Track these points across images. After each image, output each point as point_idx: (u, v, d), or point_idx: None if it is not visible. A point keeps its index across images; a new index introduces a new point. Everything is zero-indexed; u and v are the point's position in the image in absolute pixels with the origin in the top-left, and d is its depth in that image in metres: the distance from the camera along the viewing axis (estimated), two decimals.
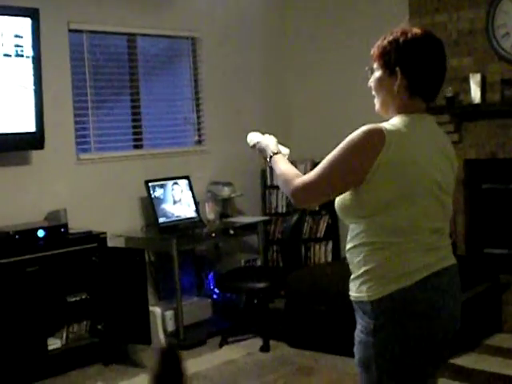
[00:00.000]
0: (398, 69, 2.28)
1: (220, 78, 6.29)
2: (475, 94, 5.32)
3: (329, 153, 2.27)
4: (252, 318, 5.52)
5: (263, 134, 2.66)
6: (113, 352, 4.96)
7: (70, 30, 5.29)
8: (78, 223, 5.01)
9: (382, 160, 2.18)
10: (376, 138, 2.20)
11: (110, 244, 5.04)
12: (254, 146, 2.65)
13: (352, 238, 2.34)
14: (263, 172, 6.54)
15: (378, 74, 2.34)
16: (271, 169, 2.56)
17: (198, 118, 6.24)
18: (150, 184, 5.45)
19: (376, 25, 6.07)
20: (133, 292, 4.95)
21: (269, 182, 6.51)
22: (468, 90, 5.35)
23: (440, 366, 2.40)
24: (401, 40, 2.28)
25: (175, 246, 5.21)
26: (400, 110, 2.32)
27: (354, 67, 6.24)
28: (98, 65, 5.57)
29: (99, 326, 4.92)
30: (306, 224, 6.34)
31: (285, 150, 2.61)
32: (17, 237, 4.53)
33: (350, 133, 2.24)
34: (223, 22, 6.29)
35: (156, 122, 6.05)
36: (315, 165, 2.35)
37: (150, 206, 5.44)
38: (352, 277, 2.33)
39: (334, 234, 6.38)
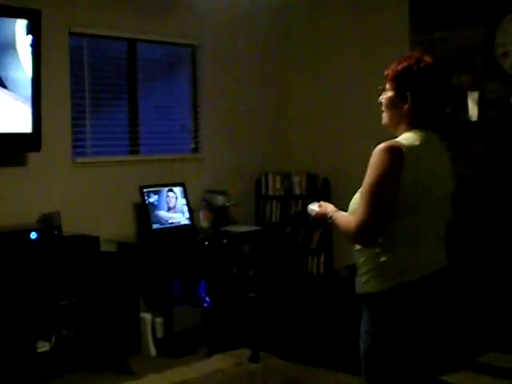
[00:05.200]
0: (408, 93, 2.50)
1: (219, 87, 6.29)
2: (472, 111, 5.34)
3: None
4: (242, 327, 5.50)
5: (319, 201, 2.76)
6: (101, 358, 4.92)
7: (71, 33, 5.29)
8: (71, 227, 4.98)
9: (403, 174, 2.38)
10: (398, 156, 2.39)
11: (102, 249, 5.01)
12: (314, 215, 2.71)
13: None
14: (258, 182, 6.53)
15: (389, 93, 2.57)
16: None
17: (196, 125, 6.24)
18: (144, 190, 5.44)
19: (376, 40, 6.12)
20: (124, 298, 4.92)
21: (263, 192, 6.51)
22: (465, 108, 5.37)
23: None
24: (414, 68, 2.50)
25: (167, 252, 5.20)
26: (409, 128, 2.53)
27: (351, 82, 6.31)
28: (97, 69, 5.57)
29: (87, 331, 4.89)
30: (299, 236, 6.35)
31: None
32: (9, 238, 4.50)
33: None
34: (225, 30, 6.28)
35: (153, 128, 6.03)
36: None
37: (144, 212, 5.43)
38: (358, 274, 2.55)
39: (328, 246, 6.38)
